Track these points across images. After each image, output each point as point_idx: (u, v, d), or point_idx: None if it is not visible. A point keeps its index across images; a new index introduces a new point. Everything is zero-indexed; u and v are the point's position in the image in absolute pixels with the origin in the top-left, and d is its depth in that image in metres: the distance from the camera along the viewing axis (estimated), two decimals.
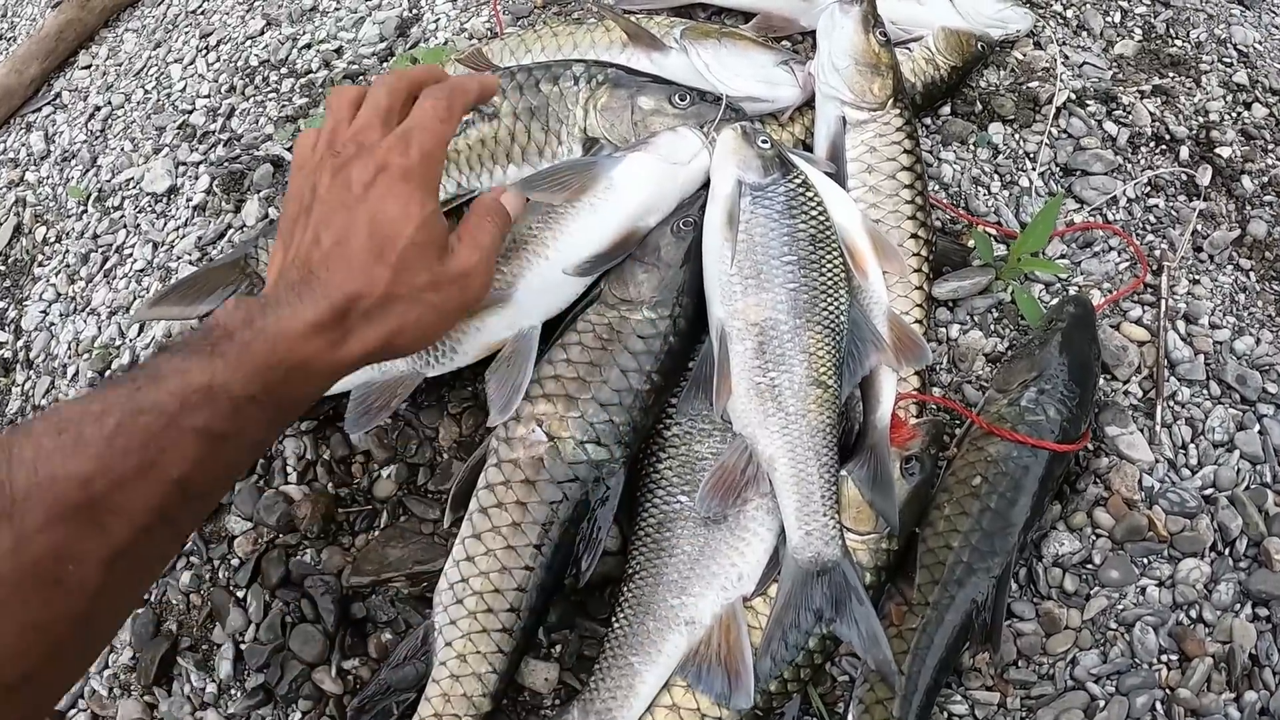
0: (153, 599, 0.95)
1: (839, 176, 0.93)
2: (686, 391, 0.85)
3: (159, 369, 0.55)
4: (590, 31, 1.02)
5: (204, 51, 1.38)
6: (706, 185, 0.88)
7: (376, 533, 0.91)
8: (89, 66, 1.52)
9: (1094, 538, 0.89)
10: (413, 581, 0.86)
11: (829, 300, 0.84)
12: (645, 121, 0.87)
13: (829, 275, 0.84)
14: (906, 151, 0.94)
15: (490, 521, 0.81)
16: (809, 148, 1.00)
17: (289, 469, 0.95)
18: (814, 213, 0.85)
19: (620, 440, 0.83)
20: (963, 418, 0.91)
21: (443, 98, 0.67)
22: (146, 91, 1.39)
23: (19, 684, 0.48)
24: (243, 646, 0.89)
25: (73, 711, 0.93)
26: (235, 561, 0.93)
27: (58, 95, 1.50)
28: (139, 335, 1.11)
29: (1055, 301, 0.98)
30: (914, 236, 0.93)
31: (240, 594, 0.91)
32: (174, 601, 0.94)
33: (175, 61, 1.40)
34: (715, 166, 0.86)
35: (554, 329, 0.87)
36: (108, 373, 1.10)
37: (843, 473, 0.84)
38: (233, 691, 0.89)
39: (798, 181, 0.86)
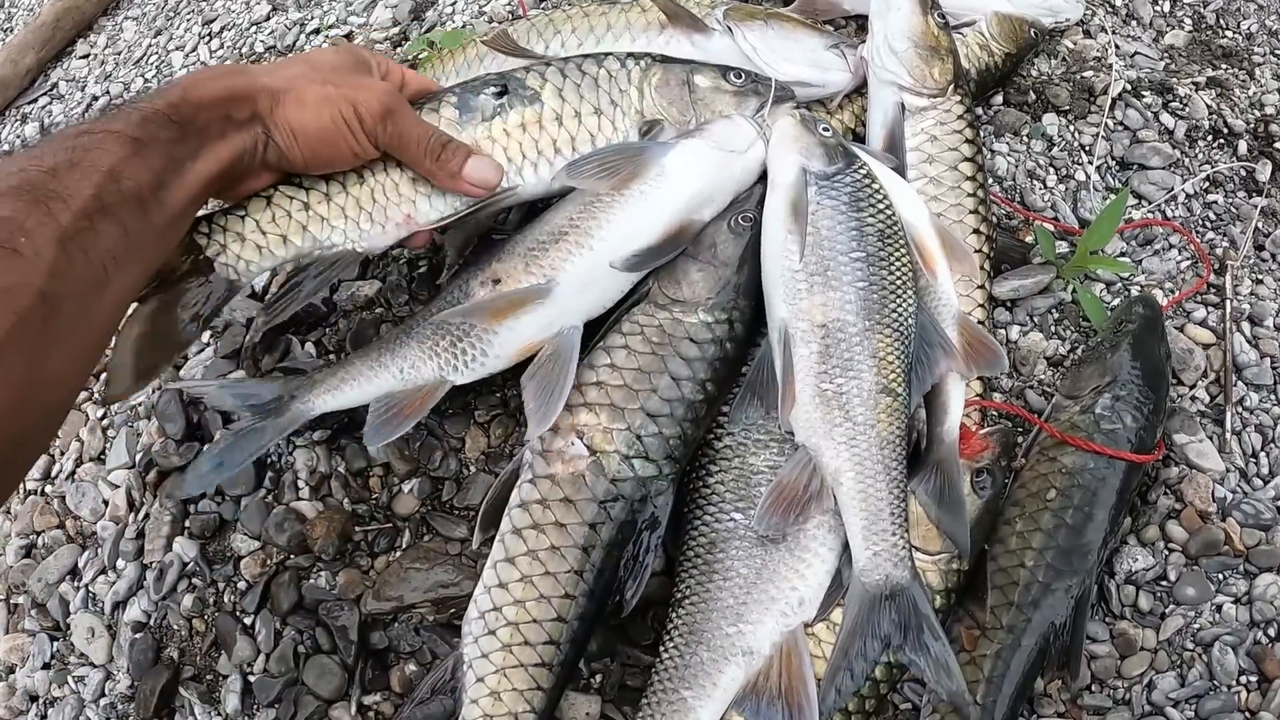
0: (152, 622, 0.81)
1: (899, 168, 0.80)
2: (740, 399, 0.73)
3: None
4: (625, 12, 0.88)
5: (207, 38, 1.24)
6: (761, 180, 0.76)
7: (398, 554, 0.79)
8: (87, 55, 1.37)
9: (1167, 552, 0.79)
10: (439, 608, 0.76)
11: (898, 300, 0.71)
12: (705, 99, 0.73)
13: (898, 273, 0.72)
14: (968, 141, 0.81)
15: (525, 544, 0.69)
16: (859, 137, 0.87)
17: (300, 483, 0.81)
18: (882, 205, 0.73)
19: (669, 455, 0.71)
20: (1027, 425, 0.80)
21: None
22: (146, 80, 1.25)
23: None
24: (251, 679, 0.76)
25: None
26: (242, 585, 0.79)
27: (54, 85, 1.35)
28: None
29: (1120, 302, 0.86)
30: (976, 232, 0.81)
31: (248, 621, 0.78)
32: (175, 626, 0.80)
33: (177, 49, 1.26)
34: (774, 154, 0.73)
35: (595, 330, 0.74)
36: None
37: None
38: None
39: (863, 171, 0.73)
